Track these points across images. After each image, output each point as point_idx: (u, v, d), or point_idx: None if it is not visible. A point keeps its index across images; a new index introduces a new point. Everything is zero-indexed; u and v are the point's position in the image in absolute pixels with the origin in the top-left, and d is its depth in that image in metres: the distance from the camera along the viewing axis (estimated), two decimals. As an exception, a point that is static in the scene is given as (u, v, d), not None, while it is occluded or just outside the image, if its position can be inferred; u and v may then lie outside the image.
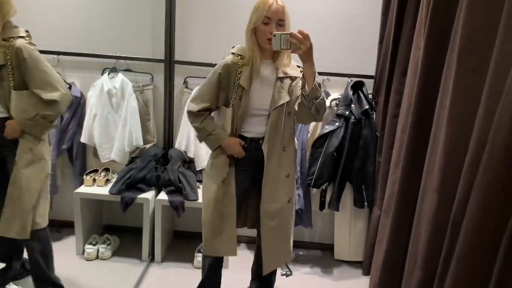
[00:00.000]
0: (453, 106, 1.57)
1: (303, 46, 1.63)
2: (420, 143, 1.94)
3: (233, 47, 1.89)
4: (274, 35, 1.65)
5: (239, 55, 1.83)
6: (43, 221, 1.98)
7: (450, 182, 1.60)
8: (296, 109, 1.85)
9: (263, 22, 1.72)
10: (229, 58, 1.84)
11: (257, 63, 1.79)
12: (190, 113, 1.91)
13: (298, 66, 1.91)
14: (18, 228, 1.88)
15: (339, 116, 2.56)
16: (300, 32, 1.62)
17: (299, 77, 1.86)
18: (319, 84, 1.75)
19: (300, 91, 1.77)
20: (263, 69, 1.84)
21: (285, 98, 1.82)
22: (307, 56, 1.67)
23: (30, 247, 2.01)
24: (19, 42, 1.80)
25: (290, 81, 1.87)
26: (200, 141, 1.98)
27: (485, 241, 1.29)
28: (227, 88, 1.85)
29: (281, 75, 1.85)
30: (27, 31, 1.88)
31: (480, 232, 1.32)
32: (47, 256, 2.06)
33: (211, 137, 1.90)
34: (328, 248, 2.97)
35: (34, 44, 1.87)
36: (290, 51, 1.68)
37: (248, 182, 1.98)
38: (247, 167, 1.93)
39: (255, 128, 1.88)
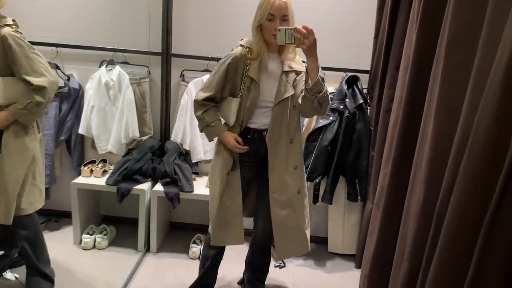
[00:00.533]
0: (441, 99, 1.59)
1: (307, 41, 1.67)
2: (410, 137, 1.96)
3: (241, 39, 1.95)
4: (279, 30, 1.70)
5: (248, 47, 1.90)
6: (29, 208, 2.01)
7: (437, 174, 1.62)
8: (300, 102, 1.89)
9: (267, 19, 1.78)
10: (238, 49, 1.90)
11: (264, 56, 1.86)
12: (195, 102, 1.97)
13: (303, 62, 1.96)
14: (1, 213, 1.92)
15: (333, 110, 2.58)
16: (304, 27, 1.66)
17: (304, 71, 1.91)
18: (322, 78, 1.78)
19: (304, 85, 1.82)
20: (269, 63, 1.91)
21: (290, 92, 1.90)
22: (311, 50, 1.71)
23: (17, 234, 2.05)
24: (5, 30, 1.82)
25: (295, 75, 1.93)
26: (200, 130, 2.04)
27: (465, 233, 1.32)
28: (233, 79, 1.91)
29: (286, 69, 1.92)
30: (13, 20, 1.90)
31: (461, 224, 1.35)
32: (35, 244, 2.08)
33: (209, 129, 1.97)
34: (322, 241, 3.00)
35: (20, 32, 1.89)
36: (294, 45, 1.74)
37: (251, 173, 2.04)
38: (249, 158, 1.99)
39: (260, 120, 1.94)
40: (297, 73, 1.94)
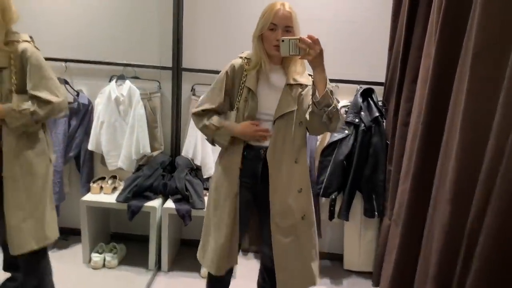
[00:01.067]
0: (467, 114, 1.52)
1: (312, 52, 1.56)
2: (430, 152, 1.89)
3: (242, 52, 1.86)
4: (283, 41, 1.59)
5: (247, 59, 1.80)
6: (54, 234, 1.96)
7: (464, 191, 1.55)
8: (308, 118, 1.76)
9: (269, 28, 1.67)
10: (236, 61, 1.81)
11: (265, 67, 1.74)
12: (194, 115, 1.84)
13: (309, 75, 1.83)
14: (31, 237, 1.85)
15: (348, 123, 2.52)
16: (310, 37, 1.56)
17: (310, 85, 1.79)
18: (331, 91, 1.66)
19: (311, 99, 1.70)
20: (271, 74, 1.79)
21: (292, 106, 1.75)
22: (317, 61, 1.60)
23: (25, 279, 1.95)
24: (24, 45, 1.79)
25: (300, 89, 1.79)
26: (210, 141, 1.84)
27: (505, 252, 1.25)
28: (231, 90, 1.80)
29: (290, 82, 1.77)
30: (30, 37, 1.87)
31: (500, 243, 1.28)
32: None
33: (220, 132, 1.77)
34: (337, 258, 2.92)
35: (38, 49, 1.86)
36: (299, 57, 1.63)
37: (249, 194, 1.84)
38: (245, 179, 1.80)
39: None
40: (303, 86, 1.79)
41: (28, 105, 1.80)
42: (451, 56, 1.78)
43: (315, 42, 1.56)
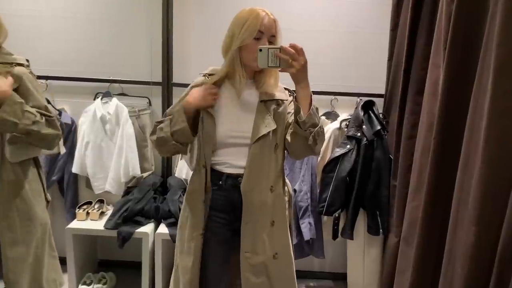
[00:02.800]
0: (491, 130, 1.43)
1: (296, 63, 1.34)
2: (445, 168, 1.80)
3: (208, 69, 1.65)
4: (260, 50, 1.37)
5: (210, 74, 1.58)
6: (53, 287, 1.76)
7: (489, 214, 1.45)
8: (289, 140, 1.52)
9: (255, 37, 1.44)
10: (197, 79, 1.60)
11: (240, 84, 1.50)
12: (151, 134, 1.59)
13: (286, 89, 1.63)
14: None
15: (350, 138, 2.41)
16: (293, 46, 1.34)
17: (287, 100, 1.58)
18: (317, 109, 1.45)
19: (293, 118, 1.47)
20: (243, 90, 1.54)
21: (271, 126, 1.50)
22: (301, 75, 1.37)
23: None
24: (20, 70, 1.60)
25: (276, 106, 1.54)
26: (169, 139, 1.51)
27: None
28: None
29: (264, 97, 1.53)
30: (27, 60, 1.69)
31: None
32: None
33: (175, 117, 1.50)
34: (340, 277, 2.80)
35: (34, 75, 1.68)
36: (279, 69, 1.41)
37: (226, 232, 1.60)
38: (221, 213, 1.58)
39: (233, 161, 1.54)
40: (279, 103, 1.55)
41: (35, 112, 1.58)
42: (465, 67, 1.71)
43: (299, 52, 1.34)
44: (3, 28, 1.61)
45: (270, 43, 1.47)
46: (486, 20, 1.55)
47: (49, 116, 1.64)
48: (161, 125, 1.54)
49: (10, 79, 1.54)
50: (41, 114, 1.62)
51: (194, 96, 1.50)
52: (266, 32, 1.45)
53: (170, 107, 1.60)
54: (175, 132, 1.50)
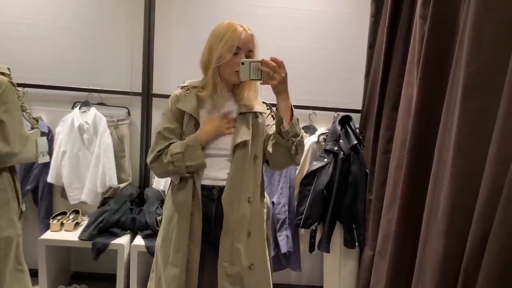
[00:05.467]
0: (459, 145, 1.48)
1: (277, 76, 1.39)
2: (418, 182, 1.85)
3: (184, 82, 1.65)
4: (243, 63, 1.42)
5: (192, 87, 1.60)
6: None
7: (457, 226, 1.50)
8: (271, 151, 1.54)
9: (234, 52, 1.49)
10: (177, 91, 1.61)
11: (221, 97, 1.54)
12: (152, 161, 1.54)
13: (263, 102, 1.67)
14: None
15: (327, 151, 2.45)
16: (273, 59, 1.39)
17: (265, 113, 1.63)
18: (297, 120, 1.49)
19: (273, 129, 1.52)
20: (221, 103, 1.58)
21: (246, 135, 1.53)
22: (281, 87, 1.42)
23: None
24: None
25: (255, 118, 1.59)
26: (185, 170, 1.51)
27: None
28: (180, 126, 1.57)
29: (243, 110, 1.57)
30: (8, 69, 1.67)
31: (500, 282, 1.21)
32: None
33: (189, 151, 1.49)
34: (316, 290, 2.81)
35: (14, 84, 1.66)
36: (260, 82, 1.44)
37: (202, 244, 1.58)
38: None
39: (209, 172, 1.54)
40: (257, 115, 1.60)
41: None
42: (437, 85, 1.77)
43: (280, 65, 1.39)
44: None
45: (248, 57, 1.51)
46: (456, 40, 1.61)
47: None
48: (170, 158, 1.49)
49: None
50: None
51: (211, 129, 1.52)
52: (243, 47, 1.50)
53: (162, 126, 1.57)
54: (191, 166, 1.50)
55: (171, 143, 1.53)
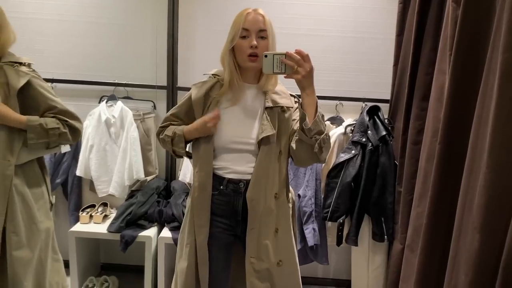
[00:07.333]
0: (496, 136, 1.41)
1: (301, 70, 1.32)
2: (450, 174, 1.78)
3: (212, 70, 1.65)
4: (266, 56, 1.36)
5: (215, 75, 1.59)
6: None
7: (494, 221, 1.43)
8: (294, 147, 1.49)
9: (240, 35, 1.44)
10: (205, 78, 1.62)
11: (239, 86, 1.51)
12: (157, 134, 1.66)
13: (292, 95, 1.62)
14: None
15: (355, 143, 2.40)
16: (298, 52, 1.33)
17: (292, 107, 1.57)
18: (322, 116, 1.42)
19: (298, 125, 1.45)
20: (246, 95, 1.55)
21: (268, 131, 1.49)
22: (307, 81, 1.35)
23: None
24: (25, 69, 1.63)
25: (281, 112, 1.54)
26: (172, 153, 1.62)
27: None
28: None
29: (269, 104, 1.52)
30: (29, 64, 1.70)
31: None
32: None
33: (175, 141, 1.55)
34: (344, 284, 2.77)
35: (39, 75, 1.71)
36: (284, 75, 1.38)
37: (227, 237, 1.60)
38: (222, 218, 1.57)
39: (235, 167, 1.54)
40: (284, 109, 1.54)
41: (56, 124, 1.63)
42: (471, 73, 1.69)
43: (305, 58, 1.33)
44: (12, 33, 1.63)
45: (261, 39, 1.46)
46: (492, 25, 1.53)
47: (67, 118, 1.68)
48: (164, 137, 1.60)
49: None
50: (60, 120, 1.66)
51: (197, 126, 1.52)
52: (251, 29, 1.45)
53: (174, 109, 1.64)
54: (176, 151, 1.60)
55: (171, 123, 1.62)
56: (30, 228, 1.66)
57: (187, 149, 1.62)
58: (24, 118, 1.59)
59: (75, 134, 1.71)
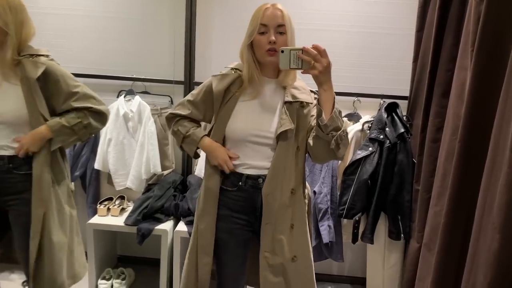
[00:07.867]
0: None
1: (318, 65, 1.31)
2: (470, 173, 1.75)
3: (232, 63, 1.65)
4: (282, 51, 1.35)
5: (236, 69, 1.58)
6: (83, 271, 1.86)
7: (514, 221, 1.40)
8: (311, 144, 1.49)
9: (259, 31, 1.44)
10: (225, 70, 1.60)
11: (259, 80, 1.51)
12: (166, 119, 1.68)
13: (312, 91, 1.61)
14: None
15: (372, 140, 2.37)
16: (315, 47, 1.31)
17: (311, 103, 1.55)
18: (339, 112, 1.41)
19: (315, 121, 1.43)
20: (265, 89, 1.55)
21: (286, 126, 1.48)
22: (324, 77, 1.33)
23: None
24: (42, 59, 1.66)
25: (301, 108, 1.53)
26: (179, 147, 1.67)
27: None
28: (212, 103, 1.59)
29: (289, 99, 1.52)
30: (47, 55, 1.74)
31: None
32: None
33: (187, 140, 1.59)
34: (359, 281, 2.76)
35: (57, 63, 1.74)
36: (302, 71, 1.38)
37: (246, 233, 1.60)
38: (241, 214, 1.57)
39: (253, 162, 1.53)
40: (303, 105, 1.53)
41: (77, 118, 1.67)
42: (493, 70, 1.65)
43: (322, 53, 1.30)
44: (32, 28, 1.66)
45: (280, 34, 1.45)
46: (516, 20, 1.50)
47: (90, 104, 1.70)
48: (175, 128, 1.62)
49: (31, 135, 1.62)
50: (84, 110, 1.69)
51: (214, 152, 1.54)
52: (270, 24, 1.44)
53: (190, 95, 1.64)
54: (184, 148, 1.65)
55: (185, 116, 1.62)
56: (61, 212, 1.73)
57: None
58: (46, 129, 1.62)
59: (102, 117, 1.74)
